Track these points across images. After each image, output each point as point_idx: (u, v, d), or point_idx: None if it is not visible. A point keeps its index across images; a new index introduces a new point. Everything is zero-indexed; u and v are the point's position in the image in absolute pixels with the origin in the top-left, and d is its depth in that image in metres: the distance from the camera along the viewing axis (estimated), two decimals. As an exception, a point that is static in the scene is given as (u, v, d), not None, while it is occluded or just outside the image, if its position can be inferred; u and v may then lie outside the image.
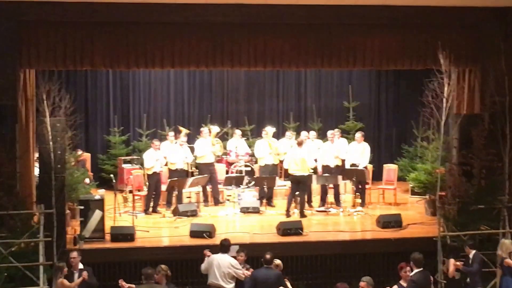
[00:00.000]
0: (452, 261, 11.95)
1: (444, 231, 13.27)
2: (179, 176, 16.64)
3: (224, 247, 11.88)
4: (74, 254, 11.71)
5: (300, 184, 16.14)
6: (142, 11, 13.93)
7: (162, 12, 14.02)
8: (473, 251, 12.04)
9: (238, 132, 19.08)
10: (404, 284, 10.86)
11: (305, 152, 16.46)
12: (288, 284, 11.59)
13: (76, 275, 11.52)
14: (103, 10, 13.80)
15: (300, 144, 16.38)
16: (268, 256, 11.39)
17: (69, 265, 11.58)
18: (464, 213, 13.59)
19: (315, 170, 17.27)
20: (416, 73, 17.21)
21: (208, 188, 17.44)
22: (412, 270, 10.94)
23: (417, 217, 16.02)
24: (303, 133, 18.02)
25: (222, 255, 11.77)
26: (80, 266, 11.65)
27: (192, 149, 17.66)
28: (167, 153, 16.93)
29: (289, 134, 18.52)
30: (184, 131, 18.42)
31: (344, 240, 14.32)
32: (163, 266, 10.89)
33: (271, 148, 17.60)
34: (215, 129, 18.36)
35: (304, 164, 16.26)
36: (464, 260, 12.00)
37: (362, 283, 10.46)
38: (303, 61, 15.01)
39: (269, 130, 18.08)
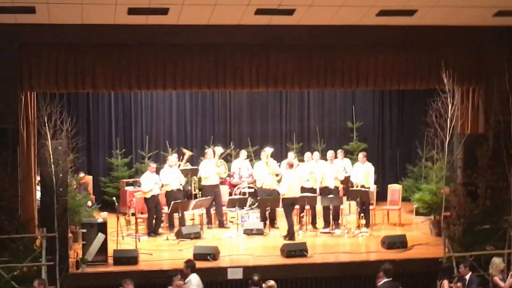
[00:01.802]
0: (446, 282, 11.88)
1: (449, 251, 13.20)
2: (176, 197, 16.46)
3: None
4: (36, 283, 11.15)
5: (294, 205, 16.20)
6: (143, 33, 13.95)
7: (164, 34, 14.04)
8: (470, 273, 11.89)
9: (243, 153, 18.88)
10: None
11: (299, 172, 16.58)
12: None
13: None
14: (104, 32, 13.81)
15: (291, 166, 16.28)
16: (256, 278, 11.40)
17: None
18: (470, 233, 13.50)
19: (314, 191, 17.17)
20: (420, 93, 17.17)
21: (212, 210, 17.31)
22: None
23: (422, 238, 15.91)
24: (307, 154, 17.87)
25: None
26: None
27: (196, 171, 17.56)
28: (161, 176, 16.73)
29: (292, 155, 18.30)
30: (188, 153, 18.37)
31: (349, 261, 14.20)
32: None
33: (269, 168, 17.45)
34: (219, 150, 18.25)
35: (300, 184, 16.37)
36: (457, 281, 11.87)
37: None
38: (306, 81, 15.02)
39: (268, 150, 17.84)
